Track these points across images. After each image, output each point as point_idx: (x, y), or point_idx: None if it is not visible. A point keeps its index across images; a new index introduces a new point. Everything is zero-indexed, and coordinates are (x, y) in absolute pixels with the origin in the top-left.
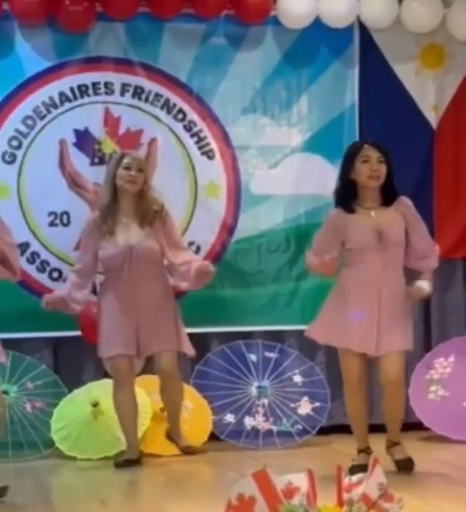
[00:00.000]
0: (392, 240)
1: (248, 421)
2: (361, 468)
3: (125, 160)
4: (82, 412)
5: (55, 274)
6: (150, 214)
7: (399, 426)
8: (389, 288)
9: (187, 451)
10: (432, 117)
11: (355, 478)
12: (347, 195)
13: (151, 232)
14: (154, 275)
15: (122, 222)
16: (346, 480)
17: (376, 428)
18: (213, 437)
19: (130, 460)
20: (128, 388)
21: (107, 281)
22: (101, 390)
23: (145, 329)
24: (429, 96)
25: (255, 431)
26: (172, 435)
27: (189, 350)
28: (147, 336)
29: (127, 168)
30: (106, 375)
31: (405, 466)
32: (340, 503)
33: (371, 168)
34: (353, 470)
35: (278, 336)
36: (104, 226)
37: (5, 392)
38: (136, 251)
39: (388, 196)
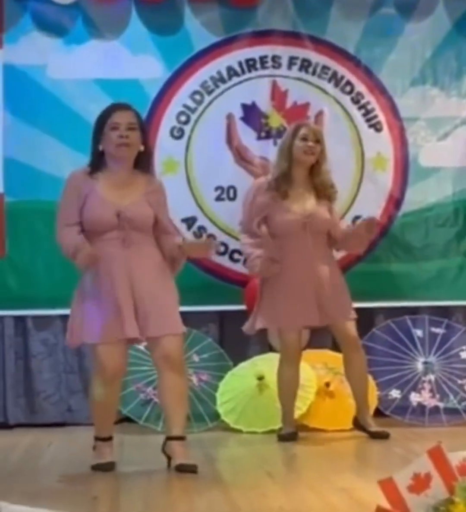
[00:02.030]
0: None
1: (414, 397)
2: None
3: (302, 131)
4: (248, 386)
5: (222, 249)
6: (327, 188)
7: None
8: None
9: (377, 436)
10: None
11: None
12: None
13: (325, 206)
14: (324, 245)
15: (298, 191)
16: None
17: None
18: (378, 412)
19: (293, 433)
20: (295, 364)
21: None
22: (266, 363)
23: (328, 298)
24: None
25: (421, 407)
26: (360, 421)
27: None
28: (330, 305)
29: (304, 139)
30: (271, 349)
31: None
32: None
33: None
34: None
35: (444, 312)
36: (278, 192)
37: None
38: (313, 220)
39: None
